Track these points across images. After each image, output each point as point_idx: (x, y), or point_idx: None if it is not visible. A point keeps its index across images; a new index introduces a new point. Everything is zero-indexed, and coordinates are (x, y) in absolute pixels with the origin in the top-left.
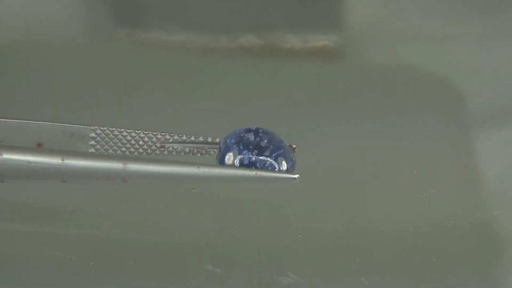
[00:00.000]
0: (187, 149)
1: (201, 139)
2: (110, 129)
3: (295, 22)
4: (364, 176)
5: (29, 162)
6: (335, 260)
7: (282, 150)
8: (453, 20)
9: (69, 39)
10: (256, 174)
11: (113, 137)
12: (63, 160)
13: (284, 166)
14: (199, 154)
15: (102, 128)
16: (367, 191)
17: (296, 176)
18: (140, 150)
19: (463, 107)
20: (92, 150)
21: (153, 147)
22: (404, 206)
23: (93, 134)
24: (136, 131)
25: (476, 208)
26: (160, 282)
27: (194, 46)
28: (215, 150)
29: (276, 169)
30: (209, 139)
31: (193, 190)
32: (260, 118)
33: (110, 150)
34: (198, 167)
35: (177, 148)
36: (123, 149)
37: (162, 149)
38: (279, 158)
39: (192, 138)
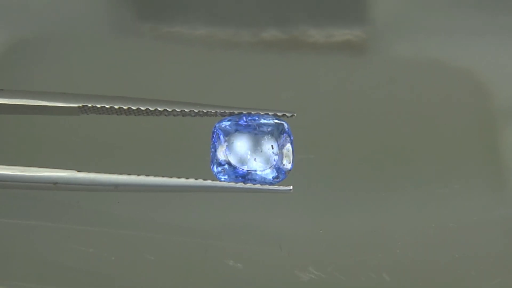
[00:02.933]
0: None
1: None
2: None
3: (319, 17)
4: (385, 170)
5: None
6: (357, 256)
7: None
8: (478, 12)
9: (92, 34)
10: (249, 187)
11: None
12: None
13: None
14: None
15: None
16: (389, 186)
17: (290, 188)
18: None
19: (488, 101)
20: None
21: None
22: (427, 201)
23: None
24: None
25: (500, 204)
26: (182, 277)
27: (216, 40)
28: None
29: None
30: None
31: None
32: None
33: None
34: (195, 179)
35: None
36: None
37: None
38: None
39: None
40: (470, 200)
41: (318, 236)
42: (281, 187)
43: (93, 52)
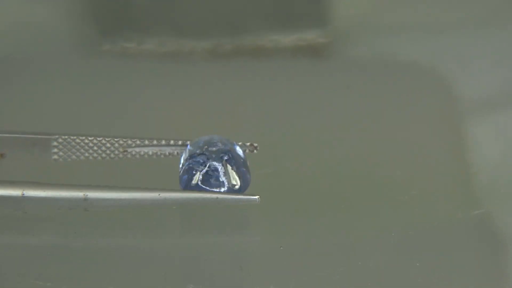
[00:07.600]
0: (150, 152)
1: (163, 142)
2: (72, 137)
3: (276, 23)
4: (345, 181)
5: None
6: (318, 271)
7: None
8: (437, 8)
9: (56, 53)
10: (217, 197)
11: (75, 144)
12: (23, 194)
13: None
14: (162, 156)
15: (63, 137)
16: (348, 197)
17: (257, 197)
18: (103, 155)
19: (452, 100)
20: (56, 157)
21: (116, 152)
22: (386, 210)
23: (55, 143)
24: (98, 138)
25: (460, 207)
26: None
27: (179, 53)
28: (177, 151)
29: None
30: (171, 142)
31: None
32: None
33: (74, 157)
34: (159, 194)
35: (140, 151)
36: (86, 154)
37: (125, 153)
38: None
39: (155, 142)
40: (429, 206)
41: (278, 254)
42: (246, 197)
43: (57, 71)
